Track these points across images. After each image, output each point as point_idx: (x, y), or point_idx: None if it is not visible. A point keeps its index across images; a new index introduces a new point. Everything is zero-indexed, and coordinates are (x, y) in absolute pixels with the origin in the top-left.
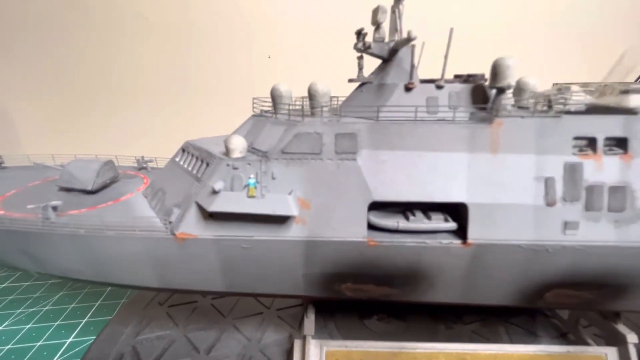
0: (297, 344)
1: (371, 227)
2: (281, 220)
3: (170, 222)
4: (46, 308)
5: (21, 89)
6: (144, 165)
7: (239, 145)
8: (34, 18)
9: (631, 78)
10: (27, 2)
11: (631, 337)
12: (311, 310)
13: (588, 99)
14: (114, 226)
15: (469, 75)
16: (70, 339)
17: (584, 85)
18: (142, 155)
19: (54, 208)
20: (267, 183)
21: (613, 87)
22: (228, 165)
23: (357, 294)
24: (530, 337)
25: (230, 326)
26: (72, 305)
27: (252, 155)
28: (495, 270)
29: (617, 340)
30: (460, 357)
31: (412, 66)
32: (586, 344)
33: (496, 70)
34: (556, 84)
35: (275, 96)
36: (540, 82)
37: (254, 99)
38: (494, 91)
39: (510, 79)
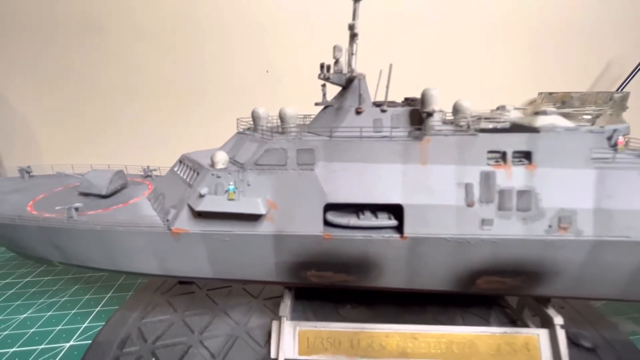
0: (275, 324)
1: (330, 224)
2: (254, 218)
3: (167, 220)
4: (64, 299)
5: (43, 107)
6: (150, 174)
7: (221, 159)
8: (55, 42)
9: (616, 87)
10: (48, 25)
11: (558, 320)
12: (287, 295)
13: (516, 117)
14: (123, 223)
15: (407, 99)
16: (85, 324)
17: (565, 95)
18: (148, 165)
19: (76, 209)
20: (244, 189)
21: (595, 96)
22: (213, 174)
23: (320, 280)
24: (483, 322)
25: (222, 312)
26: (87, 297)
27: (232, 166)
28: (430, 259)
29: (548, 323)
30: (412, 336)
31: (360, 95)
32: (527, 327)
33: (423, 98)
34: (541, 92)
35: (254, 117)
36: (472, 103)
37: (237, 119)
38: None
39: (434, 105)
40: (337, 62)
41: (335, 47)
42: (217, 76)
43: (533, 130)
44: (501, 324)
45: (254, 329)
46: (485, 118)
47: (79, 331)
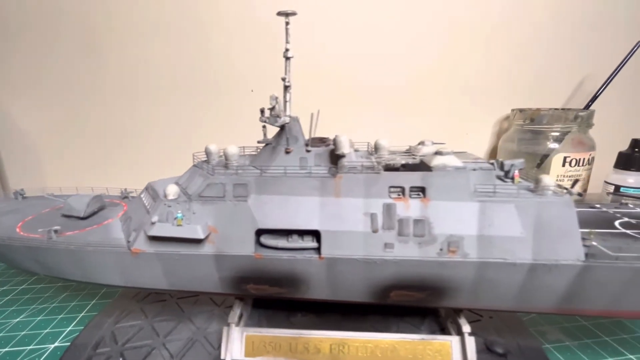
0: (225, 330)
1: (264, 246)
2: (197, 241)
3: (129, 241)
4: (53, 305)
5: (46, 126)
6: (127, 195)
7: (172, 191)
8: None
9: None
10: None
11: (466, 328)
12: (237, 305)
13: (430, 151)
14: (92, 244)
15: (321, 139)
16: (69, 328)
17: (534, 112)
18: (125, 188)
19: (55, 231)
20: (190, 216)
21: (562, 114)
22: (165, 204)
23: (259, 292)
24: (414, 330)
25: (186, 318)
26: (73, 303)
27: (182, 197)
28: (346, 276)
29: (460, 331)
30: (342, 341)
31: (288, 138)
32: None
33: (335, 143)
34: (514, 109)
35: (207, 153)
36: (389, 141)
37: (193, 154)
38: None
39: (344, 149)
40: (273, 108)
41: (270, 97)
42: (213, 100)
43: (427, 169)
44: (431, 331)
45: (211, 334)
46: (406, 152)
47: (64, 334)
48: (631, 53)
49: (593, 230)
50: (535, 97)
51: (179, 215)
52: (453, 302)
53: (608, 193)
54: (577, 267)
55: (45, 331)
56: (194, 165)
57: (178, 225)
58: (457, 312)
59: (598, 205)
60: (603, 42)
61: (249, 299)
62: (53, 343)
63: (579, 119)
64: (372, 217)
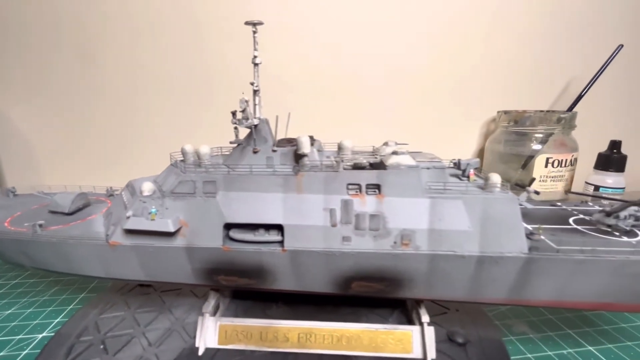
0: (200, 319)
1: (233, 239)
2: (170, 234)
3: (107, 235)
4: (44, 298)
5: (45, 128)
6: (112, 193)
7: (147, 188)
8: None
9: (580, 105)
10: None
11: (425, 318)
12: (212, 296)
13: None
14: (74, 237)
15: (289, 140)
16: (58, 319)
17: (518, 114)
18: (111, 186)
19: (40, 225)
20: (163, 211)
21: (545, 116)
22: (140, 200)
23: (230, 283)
24: (383, 320)
25: (167, 310)
26: (63, 296)
27: (156, 194)
28: (308, 267)
29: (420, 321)
30: (309, 330)
31: (255, 139)
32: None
33: (297, 143)
34: (499, 111)
35: (183, 153)
36: (354, 142)
37: (170, 153)
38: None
39: (304, 149)
40: (244, 110)
41: (240, 100)
42: (207, 103)
43: (383, 167)
44: (398, 322)
45: (189, 324)
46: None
47: (52, 325)
48: (612, 56)
49: (542, 225)
50: (523, 99)
51: (153, 210)
52: (411, 292)
53: (566, 192)
54: (521, 259)
55: (35, 322)
56: (171, 164)
57: (152, 220)
58: (419, 303)
59: (559, 203)
60: (589, 45)
61: (227, 291)
62: (41, 333)
63: (562, 121)
64: (331, 212)
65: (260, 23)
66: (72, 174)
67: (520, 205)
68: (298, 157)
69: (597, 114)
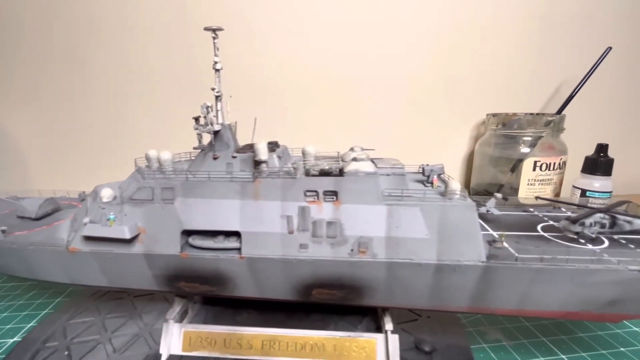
0: (164, 326)
1: (193, 246)
2: (128, 240)
3: (68, 241)
4: (20, 302)
5: (35, 134)
6: (84, 198)
7: (106, 194)
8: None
9: (572, 108)
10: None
11: (388, 326)
12: (177, 302)
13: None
14: (34, 243)
15: (251, 146)
16: (31, 324)
17: (505, 117)
18: (84, 191)
19: (2, 231)
20: (122, 218)
21: (534, 119)
22: (99, 206)
23: (192, 290)
24: (351, 328)
25: (136, 315)
26: (39, 301)
27: (116, 200)
28: (267, 274)
29: (383, 329)
30: (273, 338)
31: (211, 145)
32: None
33: (254, 150)
34: (488, 114)
35: (147, 159)
36: (317, 148)
37: (135, 159)
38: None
39: (261, 156)
40: (205, 116)
41: (201, 106)
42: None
43: (340, 174)
44: (367, 329)
45: (157, 330)
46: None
47: (24, 329)
48: (601, 59)
49: (508, 232)
50: (515, 102)
51: (112, 216)
52: (373, 300)
53: (537, 197)
54: (479, 267)
55: (8, 326)
56: (136, 170)
57: (110, 226)
58: (385, 310)
59: (531, 209)
60: (580, 48)
61: (198, 297)
62: (12, 337)
63: (550, 123)
64: (289, 219)
65: (220, 29)
66: (63, 179)
67: (488, 211)
68: (257, 163)
69: (586, 116)
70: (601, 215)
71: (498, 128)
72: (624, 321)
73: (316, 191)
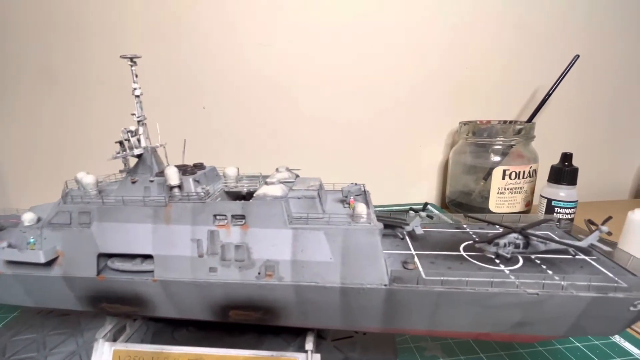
0: (95, 345)
1: (112, 269)
2: (48, 263)
3: None
4: None
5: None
6: None
7: (27, 218)
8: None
9: (544, 116)
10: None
11: (308, 346)
12: (108, 321)
13: (282, 177)
14: None
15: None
16: None
17: (475, 125)
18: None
19: None
20: (41, 242)
21: (504, 127)
22: (20, 230)
23: (115, 310)
24: (285, 346)
25: (78, 332)
26: None
27: (37, 224)
28: (182, 297)
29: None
30: (199, 357)
31: (128, 169)
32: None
33: (165, 175)
34: (461, 122)
35: (76, 181)
36: (238, 170)
37: (66, 181)
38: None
39: (171, 181)
40: (128, 140)
41: (122, 130)
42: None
43: (250, 197)
44: (300, 347)
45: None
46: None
47: None
48: (569, 67)
49: (417, 252)
50: (491, 110)
51: (32, 240)
52: (290, 321)
53: (466, 215)
54: (382, 290)
55: None
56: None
57: (31, 250)
58: (306, 330)
59: (465, 226)
60: (553, 56)
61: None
62: None
63: (521, 131)
64: (198, 242)
65: (137, 57)
66: (40, 197)
67: (412, 230)
68: (170, 187)
69: (557, 124)
70: (515, 235)
71: (469, 136)
72: (570, 338)
73: (225, 215)
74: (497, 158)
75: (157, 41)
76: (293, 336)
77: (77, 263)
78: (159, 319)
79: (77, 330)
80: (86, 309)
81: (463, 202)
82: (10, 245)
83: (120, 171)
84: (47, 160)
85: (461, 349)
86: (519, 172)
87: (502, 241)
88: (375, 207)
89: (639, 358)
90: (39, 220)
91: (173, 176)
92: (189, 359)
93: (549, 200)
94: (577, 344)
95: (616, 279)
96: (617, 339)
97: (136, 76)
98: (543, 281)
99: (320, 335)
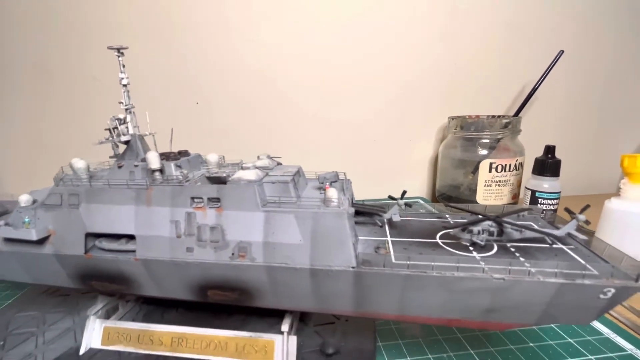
0: (87, 321)
1: (99, 247)
2: (41, 242)
3: None
4: None
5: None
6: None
7: (23, 199)
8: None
9: (532, 110)
10: None
11: (284, 327)
12: (100, 299)
13: (263, 164)
14: None
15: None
16: None
17: (462, 120)
18: None
19: None
20: (35, 221)
21: (490, 121)
22: (17, 210)
23: (104, 288)
24: (268, 329)
25: (76, 311)
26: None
27: (32, 205)
28: (163, 275)
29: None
30: (182, 336)
31: (117, 155)
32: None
33: (146, 159)
34: (449, 117)
35: (70, 166)
36: (219, 156)
37: (62, 167)
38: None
39: (152, 165)
40: (115, 128)
41: (110, 118)
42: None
43: (223, 182)
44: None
45: None
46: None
47: None
48: (554, 62)
49: (393, 239)
50: (481, 105)
51: (27, 219)
52: (264, 302)
53: (446, 205)
54: (350, 273)
55: None
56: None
57: (26, 228)
58: (284, 313)
59: (447, 216)
60: (541, 51)
61: (131, 295)
62: None
63: (508, 125)
64: (177, 224)
65: (124, 47)
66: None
67: (389, 218)
68: (152, 171)
69: (543, 118)
70: (489, 222)
71: (457, 130)
72: (562, 334)
73: (202, 198)
74: (484, 152)
75: (152, 37)
76: (277, 319)
77: (67, 241)
78: (151, 301)
79: (75, 309)
80: (78, 287)
81: (452, 196)
82: (7, 224)
83: (110, 157)
84: (51, 153)
85: (441, 330)
86: (506, 165)
87: (475, 228)
88: (367, 200)
89: (632, 353)
90: (34, 202)
91: (154, 160)
92: (173, 337)
93: (533, 192)
94: (569, 340)
95: (588, 266)
96: (610, 334)
97: (123, 66)
98: (509, 267)
99: (303, 320)
